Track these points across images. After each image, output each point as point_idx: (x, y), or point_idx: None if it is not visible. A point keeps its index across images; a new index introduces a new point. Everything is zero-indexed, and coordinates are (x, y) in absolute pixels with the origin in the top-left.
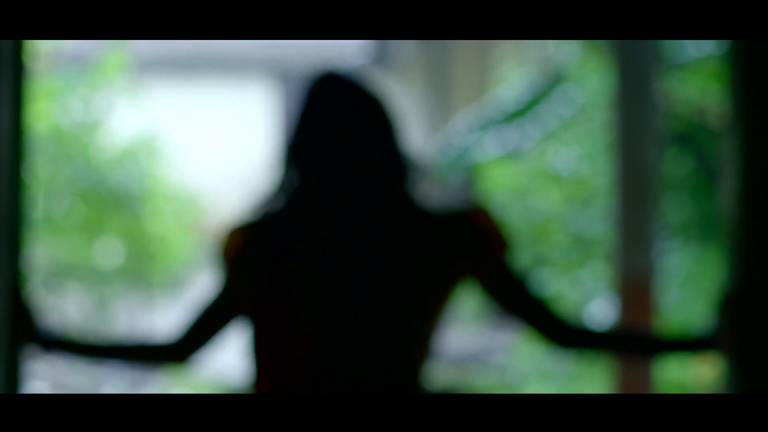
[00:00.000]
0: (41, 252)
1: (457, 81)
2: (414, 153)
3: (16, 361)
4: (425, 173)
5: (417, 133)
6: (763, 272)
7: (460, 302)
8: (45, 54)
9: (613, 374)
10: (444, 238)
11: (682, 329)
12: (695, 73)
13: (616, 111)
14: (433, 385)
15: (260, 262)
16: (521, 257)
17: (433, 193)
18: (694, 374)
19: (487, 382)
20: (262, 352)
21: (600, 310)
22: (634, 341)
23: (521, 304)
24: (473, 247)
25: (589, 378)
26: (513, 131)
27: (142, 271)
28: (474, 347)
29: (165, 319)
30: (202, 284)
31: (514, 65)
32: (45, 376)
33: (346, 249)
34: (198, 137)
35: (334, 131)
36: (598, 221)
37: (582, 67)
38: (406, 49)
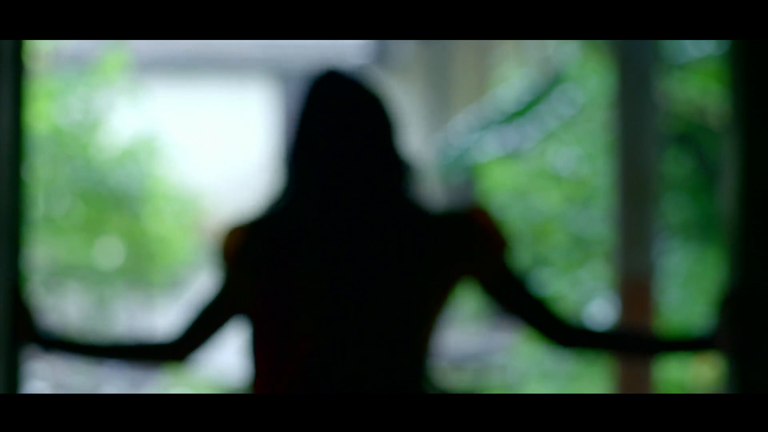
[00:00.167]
0: (41, 252)
1: (457, 81)
2: (414, 153)
3: (16, 361)
4: (425, 173)
5: (417, 133)
6: (763, 272)
7: (460, 302)
8: (45, 54)
9: (613, 374)
10: (444, 238)
11: (682, 329)
12: (695, 73)
13: (616, 111)
14: (433, 385)
15: (260, 262)
16: (521, 257)
17: (433, 193)
18: (694, 374)
19: (487, 382)
20: (262, 351)
21: (600, 310)
22: (634, 341)
23: (521, 304)
24: (473, 247)
25: (589, 378)
26: (513, 131)
27: (142, 271)
28: (474, 347)
29: (165, 319)
30: (202, 284)
31: (514, 65)
32: (45, 376)
33: (346, 249)
34: (198, 137)
35: (334, 130)
36: (598, 221)
37: (582, 67)
38: (406, 49)
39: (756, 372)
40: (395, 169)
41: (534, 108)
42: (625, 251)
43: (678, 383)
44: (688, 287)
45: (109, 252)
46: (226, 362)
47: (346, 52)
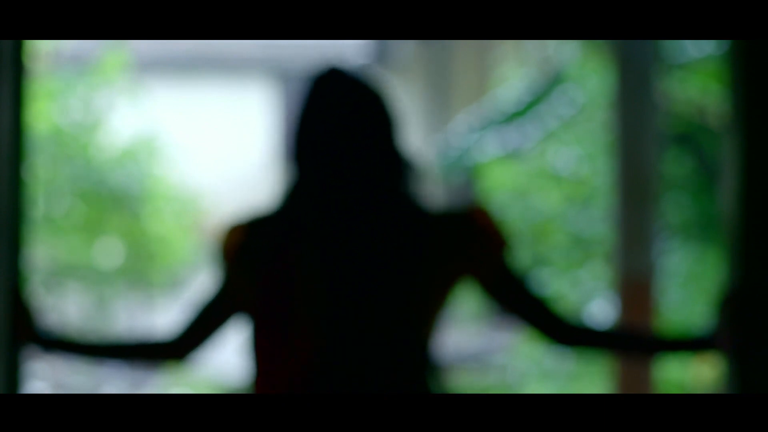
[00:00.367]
0: (41, 252)
1: (457, 81)
2: (414, 152)
3: (16, 361)
4: (425, 173)
5: (417, 133)
6: (763, 272)
7: (460, 302)
8: (45, 54)
9: (613, 374)
10: (444, 238)
11: (682, 329)
12: (695, 73)
13: (616, 111)
14: (433, 384)
15: (260, 260)
16: (521, 257)
17: (433, 193)
18: (694, 374)
19: (487, 382)
20: (261, 350)
21: (600, 310)
22: (634, 341)
23: (521, 304)
24: (473, 247)
25: (589, 378)
26: (513, 131)
27: (142, 271)
28: (474, 347)
29: (165, 318)
30: (202, 284)
31: (514, 65)
32: (45, 376)
33: (346, 248)
34: (198, 137)
35: (335, 129)
36: (598, 221)
37: (582, 67)
38: (406, 49)
39: (756, 372)
40: (396, 168)
41: (534, 108)
42: (625, 251)
43: (678, 383)
44: (688, 287)
45: (109, 252)
46: (226, 362)
47: (346, 52)
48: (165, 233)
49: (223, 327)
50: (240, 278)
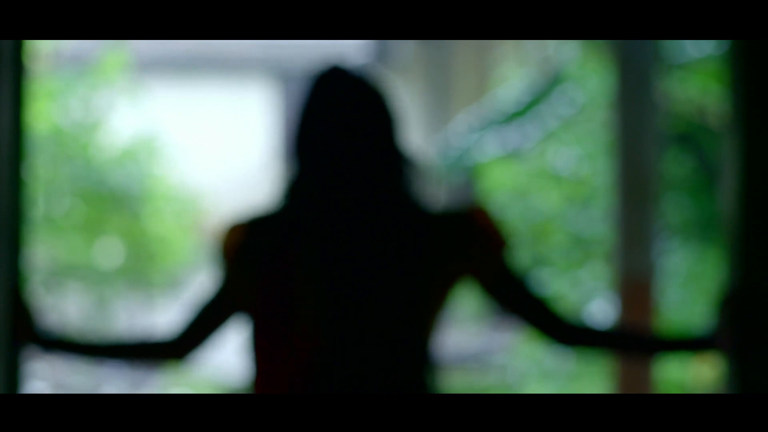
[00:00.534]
0: (41, 252)
1: (457, 81)
2: (415, 152)
3: (16, 361)
4: (426, 172)
5: (417, 133)
6: (763, 272)
7: (460, 302)
8: (45, 54)
9: (613, 374)
10: (444, 238)
11: (682, 329)
12: (695, 73)
13: (616, 111)
14: (433, 384)
15: (260, 260)
16: (521, 257)
17: (433, 193)
18: (694, 374)
19: (487, 382)
20: (261, 350)
21: (600, 310)
22: (634, 340)
23: (521, 303)
24: (473, 247)
25: (589, 378)
26: (513, 131)
27: (142, 271)
28: (474, 347)
29: (165, 318)
30: (202, 284)
31: (514, 65)
32: (45, 376)
33: (346, 247)
34: (198, 137)
35: (336, 127)
36: (598, 221)
37: (582, 67)
38: (406, 49)
39: (756, 372)
40: (397, 167)
41: (534, 108)
42: (625, 251)
43: (678, 383)
44: (688, 287)
45: (109, 252)
46: (226, 362)
47: (346, 52)
48: (165, 233)
49: (223, 327)
50: (240, 278)
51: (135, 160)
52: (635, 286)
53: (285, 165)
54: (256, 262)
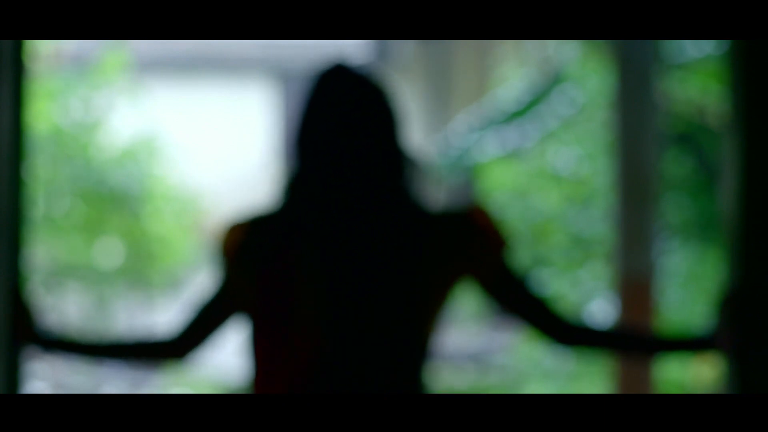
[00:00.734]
0: (41, 252)
1: (457, 81)
2: (416, 151)
3: (16, 361)
4: (426, 172)
5: (417, 133)
6: (763, 272)
7: (460, 302)
8: (45, 54)
9: (613, 374)
10: (443, 238)
11: (682, 329)
12: (695, 73)
13: (616, 111)
14: (432, 384)
15: (260, 259)
16: (521, 257)
17: (433, 193)
18: (694, 374)
19: (487, 382)
20: (261, 349)
21: (600, 310)
22: (634, 340)
23: (521, 303)
24: (472, 247)
25: (589, 378)
26: (513, 131)
27: (142, 271)
28: (474, 347)
29: (165, 318)
30: (202, 284)
31: (514, 65)
32: (45, 376)
33: (346, 247)
34: (198, 137)
35: (338, 126)
36: (598, 221)
37: (582, 67)
38: (406, 49)
39: (756, 372)
40: (397, 167)
41: (534, 108)
42: (625, 251)
43: (678, 383)
44: (688, 287)
45: (109, 252)
46: (226, 362)
47: (346, 52)
48: (165, 233)
49: (223, 327)
50: (240, 277)
51: (135, 160)
52: (635, 286)
53: (285, 164)
54: (256, 262)
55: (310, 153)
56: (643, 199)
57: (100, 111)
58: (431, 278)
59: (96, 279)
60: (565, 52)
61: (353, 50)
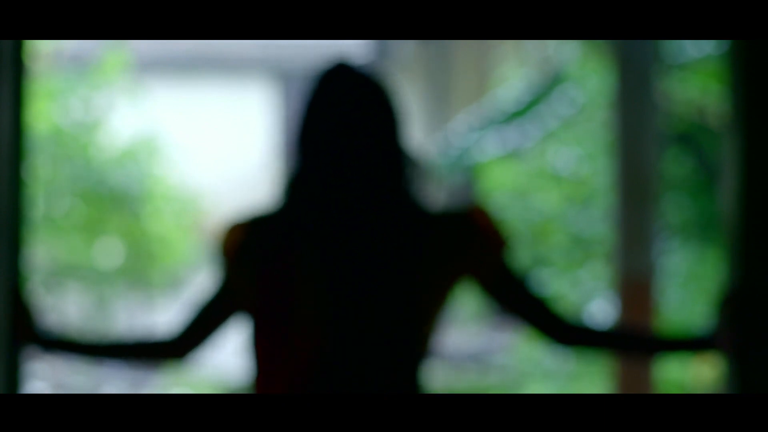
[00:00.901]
0: (41, 252)
1: (457, 81)
2: (416, 151)
3: (16, 361)
4: (427, 172)
5: (417, 133)
6: (763, 272)
7: (460, 302)
8: (45, 54)
9: (613, 374)
10: (443, 238)
11: (682, 329)
12: (695, 73)
13: (616, 111)
14: (432, 384)
15: (260, 259)
16: (521, 257)
17: (433, 193)
18: (694, 374)
19: (487, 382)
20: (262, 349)
21: (600, 310)
22: (634, 340)
23: (521, 303)
24: (472, 247)
25: (589, 378)
26: (513, 131)
27: (142, 271)
28: (474, 347)
29: (165, 318)
30: (202, 284)
31: (514, 65)
32: (45, 376)
33: (346, 247)
34: (198, 137)
35: (339, 125)
36: (598, 221)
37: (582, 67)
38: (406, 49)
39: (756, 372)
40: (398, 167)
41: (534, 108)
42: (625, 251)
43: (678, 383)
44: (688, 287)
45: (109, 252)
46: (226, 362)
47: (346, 52)
48: (165, 233)
49: (223, 326)
50: (240, 277)
51: (135, 160)
52: (635, 286)
53: (285, 163)
54: (256, 262)
55: (311, 152)
56: (643, 199)
57: (100, 111)
58: (431, 278)
59: (96, 279)
60: (565, 52)
61: (353, 50)
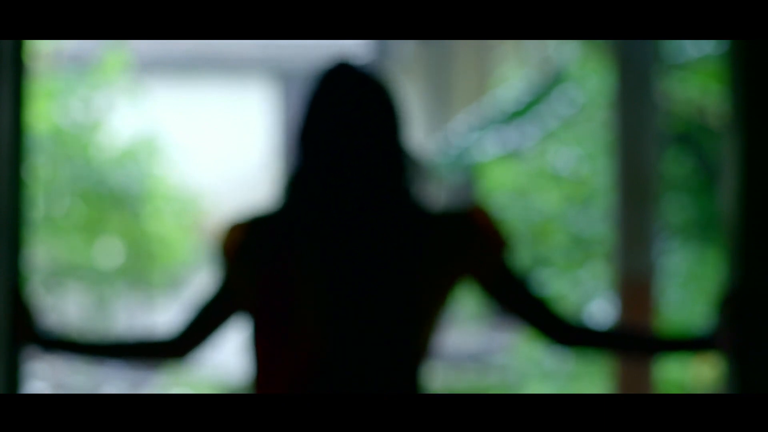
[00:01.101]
0: (41, 252)
1: (457, 81)
2: (417, 151)
3: (16, 361)
4: (428, 171)
5: (417, 133)
6: (763, 272)
7: (460, 302)
8: (45, 54)
9: (613, 374)
10: (443, 238)
11: (682, 329)
12: (695, 73)
13: (616, 111)
14: (432, 384)
15: (260, 259)
16: (521, 257)
17: (433, 192)
18: (694, 374)
19: (487, 382)
20: (262, 350)
21: (600, 310)
22: (634, 340)
23: (521, 303)
24: (472, 247)
25: (589, 378)
26: (513, 131)
27: (142, 271)
28: (474, 347)
29: (165, 318)
30: (202, 284)
31: (514, 65)
32: (45, 376)
33: (346, 247)
34: (198, 137)
35: (340, 124)
36: (598, 221)
37: (582, 67)
38: (407, 49)
39: (756, 372)
40: (399, 166)
41: (534, 108)
42: (625, 251)
43: (678, 383)
44: (688, 287)
45: (109, 252)
46: (226, 362)
47: (347, 52)
48: (165, 233)
49: (223, 326)
50: (240, 277)
51: (135, 160)
52: (635, 286)
53: (285, 163)
54: (256, 262)
55: (312, 152)
56: (643, 199)
57: (100, 111)
58: (431, 278)
59: (96, 279)
60: (565, 52)
61: (353, 50)
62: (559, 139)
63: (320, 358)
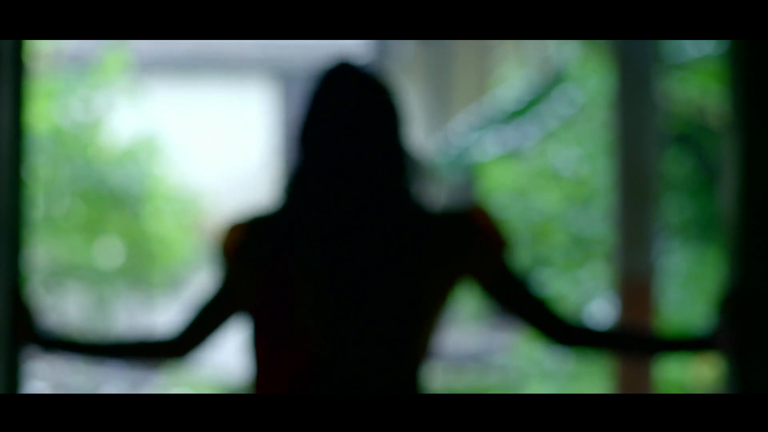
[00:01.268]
0: (41, 252)
1: (457, 81)
2: (417, 151)
3: (16, 361)
4: (428, 171)
5: (417, 133)
6: (763, 272)
7: (460, 302)
8: (45, 54)
9: (613, 374)
10: (443, 238)
11: (682, 329)
12: (695, 73)
13: (616, 111)
14: (432, 384)
15: (260, 259)
16: (521, 257)
17: (433, 192)
18: (694, 374)
19: (487, 382)
20: (262, 350)
21: (600, 310)
22: (634, 340)
23: (521, 303)
24: (472, 247)
25: (589, 378)
26: (513, 131)
27: (142, 271)
28: (474, 347)
29: (165, 318)
30: (202, 284)
31: (514, 65)
32: (45, 376)
33: (346, 246)
34: (198, 137)
35: (340, 125)
36: (598, 221)
37: (582, 67)
38: (407, 49)
39: (756, 372)
40: (399, 166)
41: (534, 108)
42: (625, 251)
43: (678, 383)
44: (688, 287)
45: (109, 252)
46: (226, 362)
47: (347, 52)
48: (165, 233)
49: (223, 326)
50: (240, 277)
51: (135, 160)
52: (635, 286)
53: (286, 163)
54: (256, 262)
55: (312, 151)
56: (643, 199)
57: (100, 111)
58: (431, 278)
59: (96, 279)
60: (565, 52)
61: (353, 50)
62: (559, 139)
63: (320, 358)
